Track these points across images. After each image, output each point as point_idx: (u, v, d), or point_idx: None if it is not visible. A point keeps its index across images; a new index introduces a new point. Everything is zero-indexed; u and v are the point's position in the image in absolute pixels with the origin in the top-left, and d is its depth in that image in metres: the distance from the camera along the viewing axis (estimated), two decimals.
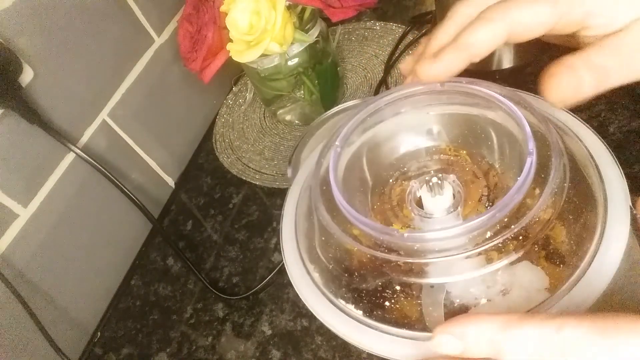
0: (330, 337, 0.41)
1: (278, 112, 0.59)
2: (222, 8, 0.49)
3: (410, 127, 0.30)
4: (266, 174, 0.56)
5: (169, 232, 0.56)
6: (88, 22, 0.48)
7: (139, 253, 0.56)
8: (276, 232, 0.50)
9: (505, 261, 0.21)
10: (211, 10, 0.52)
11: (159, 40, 0.57)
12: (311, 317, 0.42)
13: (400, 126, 0.30)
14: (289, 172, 0.33)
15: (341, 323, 0.23)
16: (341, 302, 0.24)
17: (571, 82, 0.22)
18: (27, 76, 0.42)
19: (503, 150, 0.28)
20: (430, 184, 0.26)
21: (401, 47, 0.61)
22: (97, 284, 0.51)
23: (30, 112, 0.41)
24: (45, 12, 0.43)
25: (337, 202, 0.24)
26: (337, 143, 0.27)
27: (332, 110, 0.37)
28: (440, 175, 0.27)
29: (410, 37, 0.61)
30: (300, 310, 0.43)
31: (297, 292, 0.26)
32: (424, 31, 0.61)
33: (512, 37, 0.23)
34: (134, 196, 0.49)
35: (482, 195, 0.27)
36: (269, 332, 0.43)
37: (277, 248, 0.49)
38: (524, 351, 0.17)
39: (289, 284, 0.45)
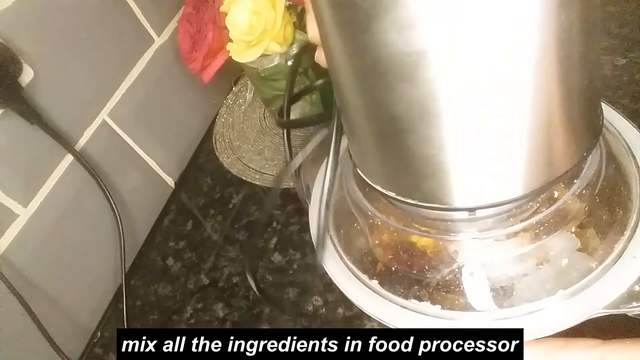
0: None
1: (278, 112, 0.59)
2: (222, 8, 0.49)
3: None
4: (266, 174, 0.56)
5: (168, 232, 0.56)
6: (88, 22, 0.48)
7: (139, 253, 0.56)
8: (276, 232, 0.50)
9: (537, 242, 0.21)
10: (211, 10, 0.52)
11: (159, 40, 0.57)
12: (311, 317, 0.42)
13: None
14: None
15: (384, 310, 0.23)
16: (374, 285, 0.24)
17: None
18: (27, 76, 0.42)
19: None
20: None
21: None
22: (97, 284, 0.51)
23: (30, 112, 0.41)
24: (45, 12, 0.43)
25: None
26: None
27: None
28: None
29: None
30: (300, 311, 0.43)
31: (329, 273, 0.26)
32: None
33: None
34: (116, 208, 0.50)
35: None
36: None
37: (277, 248, 0.49)
38: None
39: (289, 284, 0.45)
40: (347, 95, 0.20)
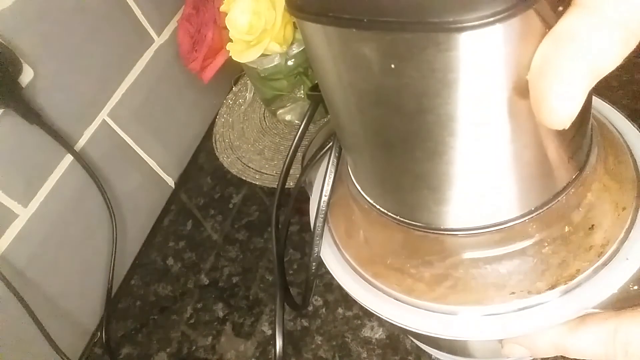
0: (330, 337, 0.41)
1: (278, 112, 0.59)
2: (222, 8, 0.49)
3: None
4: (266, 174, 0.56)
5: (168, 232, 0.56)
6: (88, 22, 0.48)
7: (139, 253, 0.56)
8: None
9: (531, 240, 0.21)
10: (211, 10, 0.52)
11: (159, 40, 0.57)
12: (311, 317, 0.42)
13: None
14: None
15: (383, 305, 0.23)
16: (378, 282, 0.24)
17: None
18: (27, 76, 0.42)
19: None
20: None
21: None
22: (98, 284, 0.51)
23: (30, 112, 0.41)
24: (45, 12, 0.43)
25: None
26: None
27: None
28: None
29: None
30: (300, 311, 0.43)
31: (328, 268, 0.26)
32: None
33: None
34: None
35: None
36: (269, 332, 0.43)
37: None
38: (591, 351, 0.18)
39: (289, 284, 0.45)
40: (334, 108, 0.21)
